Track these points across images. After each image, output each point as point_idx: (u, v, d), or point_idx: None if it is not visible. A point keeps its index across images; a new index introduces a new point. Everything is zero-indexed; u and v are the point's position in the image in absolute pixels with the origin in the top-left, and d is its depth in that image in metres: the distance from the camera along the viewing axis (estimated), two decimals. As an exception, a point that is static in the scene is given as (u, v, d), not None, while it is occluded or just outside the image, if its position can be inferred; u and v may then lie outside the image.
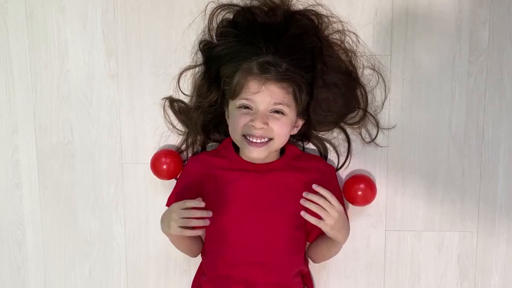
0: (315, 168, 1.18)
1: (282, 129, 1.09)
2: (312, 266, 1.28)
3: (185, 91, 1.26)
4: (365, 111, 1.21)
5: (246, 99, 1.08)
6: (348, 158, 1.25)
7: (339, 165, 1.25)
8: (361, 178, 1.23)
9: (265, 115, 1.07)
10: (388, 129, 1.24)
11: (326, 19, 1.19)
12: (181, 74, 1.26)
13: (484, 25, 1.20)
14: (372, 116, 1.22)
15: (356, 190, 1.21)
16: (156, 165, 1.26)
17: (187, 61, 1.25)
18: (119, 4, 1.26)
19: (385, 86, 1.22)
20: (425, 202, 1.26)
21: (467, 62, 1.21)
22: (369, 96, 1.22)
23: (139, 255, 1.34)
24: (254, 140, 1.09)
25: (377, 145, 1.24)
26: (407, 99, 1.23)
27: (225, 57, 1.13)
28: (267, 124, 1.07)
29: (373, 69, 1.21)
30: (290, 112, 1.09)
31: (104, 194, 1.32)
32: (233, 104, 1.11)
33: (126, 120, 1.29)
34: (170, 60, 1.26)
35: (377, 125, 1.23)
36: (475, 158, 1.24)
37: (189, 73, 1.25)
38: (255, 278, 1.13)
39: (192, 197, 1.10)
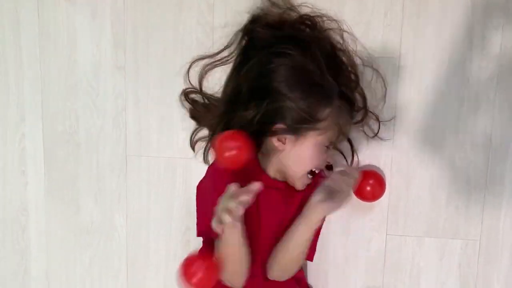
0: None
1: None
2: (311, 269, 1.28)
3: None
4: (366, 109, 1.19)
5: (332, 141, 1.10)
6: (355, 157, 1.23)
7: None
8: (370, 174, 1.21)
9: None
10: (390, 120, 1.22)
11: (319, 19, 1.17)
12: (191, 65, 1.25)
13: (496, 30, 1.17)
14: (372, 112, 1.20)
15: (364, 186, 1.20)
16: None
17: (194, 55, 1.25)
18: (128, -4, 1.26)
19: (383, 80, 1.20)
20: (428, 208, 1.25)
21: (477, 68, 1.18)
22: (370, 93, 1.20)
23: (139, 246, 1.35)
24: (316, 171, 1.12)
25: (381, 139, 1.22)
26: (415, 103, 1.21)
27: (301, 87, 1.05)
28: None
29: (371, 67, 1.19)
30: None
31: (107, 184, 1.33)
32: (313, 138, 1.07)
33: (131, 112, 1.30)
34: (178, 54, 1.26)
35: (378, 119, 1.20)
36: (482, 165, 1.21)
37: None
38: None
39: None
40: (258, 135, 1.08)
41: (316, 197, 1.04)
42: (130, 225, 1.34)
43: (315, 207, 1.04)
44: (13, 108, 1.34)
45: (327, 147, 1.09)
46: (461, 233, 1.24)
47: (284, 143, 1.07)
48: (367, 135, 1.22)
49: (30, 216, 1.38)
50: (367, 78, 1.20)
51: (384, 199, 1.24)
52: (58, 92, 1.32)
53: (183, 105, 1.27)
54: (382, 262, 1.27)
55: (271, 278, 1.13)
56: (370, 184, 1.20)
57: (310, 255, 1.18)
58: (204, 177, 1.18)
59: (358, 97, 1.18)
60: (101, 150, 1.32)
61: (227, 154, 1.02)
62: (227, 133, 1.06)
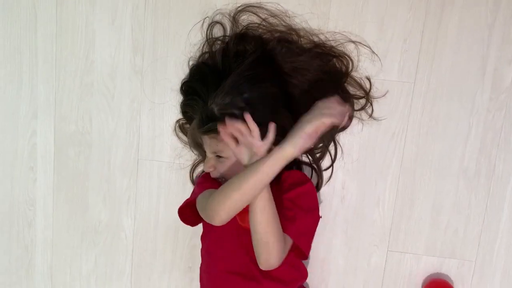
0: (290, 177, 1.18)
1: (225, 169, 1.13)
2: (311, 279, 1.32)
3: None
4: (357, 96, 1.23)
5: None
6: (339, 151, 1.28)
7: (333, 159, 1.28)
8: (441, 284, 1.28)
9: (211, 159, 1.15)
10: (382, 97, 1.24)
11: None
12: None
13: (509, 64, 1.21)
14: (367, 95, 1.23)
15: None
16: None
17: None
18: (150, 1, 1.25)
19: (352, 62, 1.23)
20: (429, 228, 1.30)
21: (488, 99, 1.23)
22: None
23: (146, 248, 1.38)
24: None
25: (374, 118, 1.26)
26: (425, 127, 1.25)
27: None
28: (213, 167, 1.15)
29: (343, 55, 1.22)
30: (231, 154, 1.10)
31: (117, 186, 1.35)
32: None
33: (146, 117, 1.31)
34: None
35: (367, 93, 1.24)
36: (483, 191, 1.27)
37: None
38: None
39: None
40: None
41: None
42: (138, 226, 1.37)
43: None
44: (26, 105, 1.33)
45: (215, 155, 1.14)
46: (458, 254, 1.30)
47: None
48: (361, 119, 1.26)
49: (37, 211, 1.39)
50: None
51: (387, 217, 1.29)
52: (72, 92, 1.32)
53: (178, 137, 1.29)
54: (381, 276, 1.33)
55: (264, 268, 1.07)
56: None
57: (305, 252, 1.14)
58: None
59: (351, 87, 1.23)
60: (113, 152, 1.33)
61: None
62: None
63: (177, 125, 1.29)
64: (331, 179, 1.29)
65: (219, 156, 1.13)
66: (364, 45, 1.22)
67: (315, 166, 1.28)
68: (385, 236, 1.31)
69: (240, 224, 1.11)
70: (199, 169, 1.31)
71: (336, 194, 1.30)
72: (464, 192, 1.27)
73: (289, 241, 1.10)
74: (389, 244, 1.32)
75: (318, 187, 1.30)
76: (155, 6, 1.26)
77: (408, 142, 1.27)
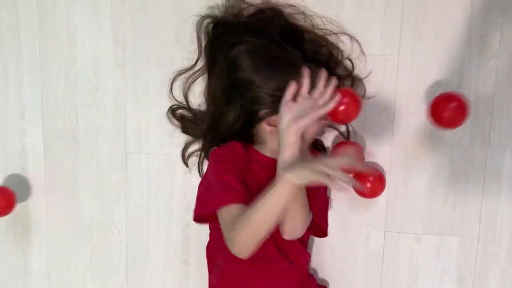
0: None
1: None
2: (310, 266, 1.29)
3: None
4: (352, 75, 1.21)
5: None
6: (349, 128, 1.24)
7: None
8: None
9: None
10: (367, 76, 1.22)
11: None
12: (174, 79, 1.26)
13: (495, 28, 1.17)
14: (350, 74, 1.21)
15: (364, 182, 1.20)
16: None
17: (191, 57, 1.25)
18: (128, -7, 1.26)
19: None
20: (426, 205, 1.25)
21: (476, 66, 1.19)
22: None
23: (139, 242, 1.36)
24: None
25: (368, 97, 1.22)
26: (413, 100, 1.22)
27: (274, 62, 1.07)
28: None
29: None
30: None
31: (106, 181, 1.34)
32: None
33: (131, 109, 1.30)
34: (177, 51, 1.26)
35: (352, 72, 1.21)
36: (480, 163, 1.22)
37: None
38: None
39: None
40: (249, 128, 1.11)
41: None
42: (130, 221, 1.35)
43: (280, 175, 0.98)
44: (13, 105, 1.34)
45: None
46: (459, 230, 1.25)
47: (274, 125, 1.06)
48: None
49: (31, 211, 1.39)
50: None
51: (382, 196, 1.25)
52: (58, 89, 1.32)
53: (171, 122, 1.28)
54: (381, 258, 1.28)
55: (287, 237, 1.08)
56: (370, 181, 1.21)
57: (325, 228, 1.22)
58: (212, 162, 1.16)
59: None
60: (101, 146, 1.33)
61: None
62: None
63: (169, 111, 1.27)
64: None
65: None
66: (344, 32, 1.20)
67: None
68: (381, 217, 1.27)
69: None
70: (191, 148, 1.28)
71: (327, 176, 1.27)
72: (459, 164, 1.23)
73: (310, 215, 1.12)
74: (386, 225, 1.27)
75: None
76: (133, -2, 1.26)
77: (397, 117, 1.23)
